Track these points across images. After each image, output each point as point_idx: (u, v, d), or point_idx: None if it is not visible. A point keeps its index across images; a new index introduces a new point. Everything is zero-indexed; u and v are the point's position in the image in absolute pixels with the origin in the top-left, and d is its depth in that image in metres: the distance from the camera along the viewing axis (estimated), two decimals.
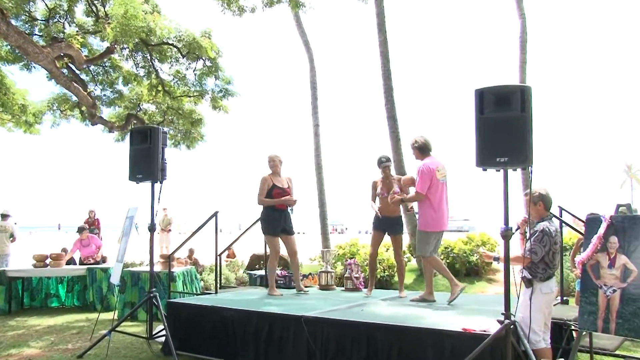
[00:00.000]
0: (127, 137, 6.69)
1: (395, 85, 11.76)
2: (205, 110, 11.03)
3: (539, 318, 3.77)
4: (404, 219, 6.60)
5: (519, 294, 3.88)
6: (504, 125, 3.71)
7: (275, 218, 6.20)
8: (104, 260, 9.73)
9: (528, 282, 3.85)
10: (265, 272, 7.35)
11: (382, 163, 6.04)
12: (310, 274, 7.85)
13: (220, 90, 10.40)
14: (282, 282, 7.33)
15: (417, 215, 5.46)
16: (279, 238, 6.25)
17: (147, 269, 7.35)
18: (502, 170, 3.77)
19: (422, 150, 5.44)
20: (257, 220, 7.36)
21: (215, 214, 6.49)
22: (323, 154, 13.47)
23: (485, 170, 3.83)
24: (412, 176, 5.91)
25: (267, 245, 6.43)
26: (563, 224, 5.59)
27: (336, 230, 68.66)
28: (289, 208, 6.23)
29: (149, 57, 9.80)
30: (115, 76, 10.56)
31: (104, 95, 10.88)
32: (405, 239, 11.30)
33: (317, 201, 13.27)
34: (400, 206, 6.16)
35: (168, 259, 7.24)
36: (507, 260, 3.83)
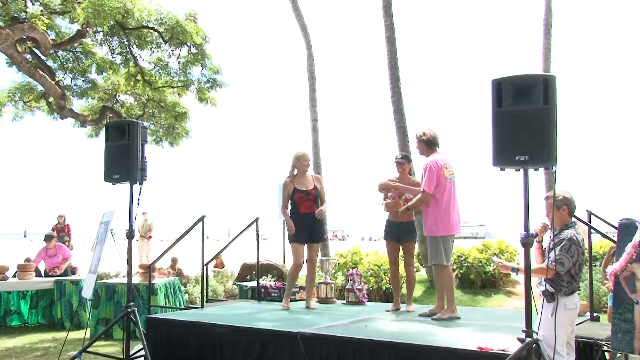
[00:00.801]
0: (102, 133, 6.68)
1: (403, 76, 11.78)
2: (191, 103, 11.03)
3: (563, 336, 3.77)
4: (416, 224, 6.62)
5: (539, 309, 3.88)
6: (525, 120, 3.70)
7: (301, 224, 6.21)
8: (73, 271, 9.71)
9: (550, 296, 3.84)
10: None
11: (397, 159, 6.05)
12: (305, 286, 7.83)
13: (208, 81, 10.39)
14: (275, 294, 7.34)
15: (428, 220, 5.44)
16: (303, 247, 6.27)
17: (124, 280, 7.34)
18: (521, 170, 3.76)
19: (430, 144, 5.45)
20: (248, 226, 7.37)
21: (201, 219, 6.48)
22: (322, 152, 13.48)
23: (503, 170, 3.82)
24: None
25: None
26: (592, 231, 5.59)
27: (336, 236, 68.61)
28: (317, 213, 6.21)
29: (126, 43, 9.79)
30: (87, 63, 10.50)
31: (75, 85, 10.82)
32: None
33: None
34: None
35: (148, 270, 7.23)
36: (528, 271, 3.82)
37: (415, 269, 10.99)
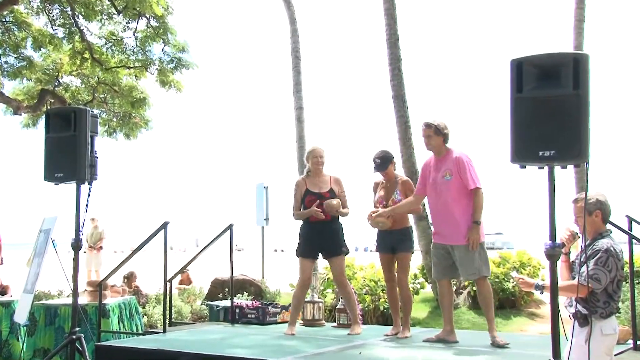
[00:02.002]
0: (41, 122, 6.62)
1: (405, 56, 11.80)
2: (151, 87, 11.01)
3: None
4: (415, 232, 6.62)
5: (569, 335, 3.89)
6: (551, 108, 3.70)
7: (308, 235, 6.27)
8: (3, 291, 9.57)
9: (583, 320, 3.85)
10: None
11: (375, 163, 6.10)
12: (290, 305, 7.83)
13: (171, 60, 10.37)
14: (252, 316, 7.34)
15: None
16: (311, 262, 6.33)
17: (69, 301, 7.27)
18: (546, 168, 3.77)
19: (447, 139, 5.62)
20: (220, 234, 7.35)
21: (164, 226, 6.45)
22: (308, 146, 13.45)
23: (524, 168, 3.83)
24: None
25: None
26: (634, 241, 5.62)
27: None
28: (336, 216, 6.21)
29: (69, 12, 9.71)
30: (21, 37, 10.36)
31: (5, 62, 10.69)
32: (417, 258, 11.33)
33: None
34: (410, 214, 6.20)
35: (98, 287, 7.18)
36: (554, 289, 3.80)
37: (420, 286, 11.14)
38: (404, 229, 6.06)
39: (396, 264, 6.12)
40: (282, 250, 76.20)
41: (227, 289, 10.59)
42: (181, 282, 13.17)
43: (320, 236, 6.20)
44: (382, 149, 6.20)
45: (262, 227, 13.31)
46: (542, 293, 4.07)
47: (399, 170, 6.69)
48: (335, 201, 6.16)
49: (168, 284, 7.14)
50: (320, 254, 6.33)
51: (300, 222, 6.40)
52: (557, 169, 3.76)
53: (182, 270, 9.04)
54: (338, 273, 6.27)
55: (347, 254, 6.31)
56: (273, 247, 74.29)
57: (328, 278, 10.72)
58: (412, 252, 6.18)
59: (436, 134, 5.56)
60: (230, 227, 7.34)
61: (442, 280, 5.72)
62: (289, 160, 14.03)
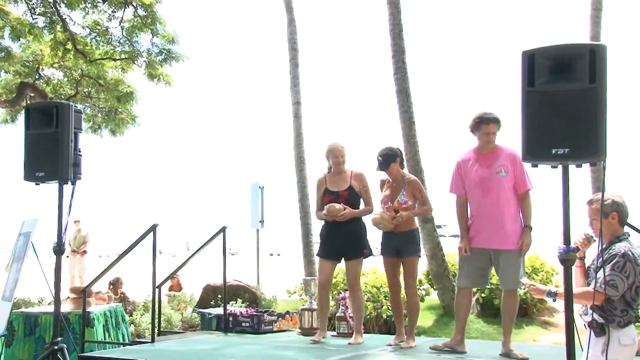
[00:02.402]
0: (21, 117, 6.61)
1: (409, 48, 11.80)
2: (139, 81, 10.99)
3: None
4: (420, 235, 6.62)
5: (584, 345, 3.88)
6: (565, 103, 3.70)
7: (326, 235, 6.32)
8: None
9: (600, 329, 3.84)
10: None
11: (378, 161, 6.11)
12: (287, 312, 7.84)
13: (160, 52, 10.36)
14: (247, 324, 7.34)
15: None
16: (331, 264, 6.33)
17: (50, 309, 7.26)
18: (560, 167, 3.77)
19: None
20: (213, 237, 7.35)
21: (152, 229, 6.45)
22: (306, 144, 13.47)
23: (536, 166, 3.82)
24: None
25: None
26: None
27: None
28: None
29: (50, 0, 9.69)
30: None
31: None
32: (423, 263, 11.32)
33: (297, 209, 13.27)
34: (416, 217, 6.19)
35: (82, 294, 7.17)
36: (569, 296, 3.79)
37: (425, 293, 11.13)
38: (410, 232, 6.04)
39: (402, 269, 6.11)
40: (279, 255, 76.14)
41: (219, 296, 10.59)
42: (171, 289, 13.17)
43: (339, 237, 6.22)
44: (387, 145, 6.18)
45: (257, 230, 13.33)
46: (554, 300, 4.07)
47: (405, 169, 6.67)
48: (337, 206, 6.15)
49: (157, 290, 7.13)
50: (341, 256, 6.33)
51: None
52: (572, 167, 3.75)
53: (171, 276, 9.03)
54: (352, 276, 6.28)
55: (367, 256, 6.28)
56: (269, 251, 74.21)
57: None
58: (419, 257, 6.16)
59: (496, 126, 5.49)
60: (223, 229, 7.33)
61: (465, 289, 5.65)
62: (285, 159, 14.00)
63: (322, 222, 6.40)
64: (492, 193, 5.42)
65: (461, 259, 5.61)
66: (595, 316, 3.85)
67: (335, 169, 6.32)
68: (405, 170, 6.30)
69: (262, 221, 13.14)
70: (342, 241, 6.21)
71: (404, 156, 6.38)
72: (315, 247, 12.80)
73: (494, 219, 5.40)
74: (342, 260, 6.34)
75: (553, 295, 4.01)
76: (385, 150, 6.10)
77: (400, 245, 6.02)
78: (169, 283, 12.46)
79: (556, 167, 3.78)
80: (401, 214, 5.93)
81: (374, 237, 6.34)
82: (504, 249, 5.38)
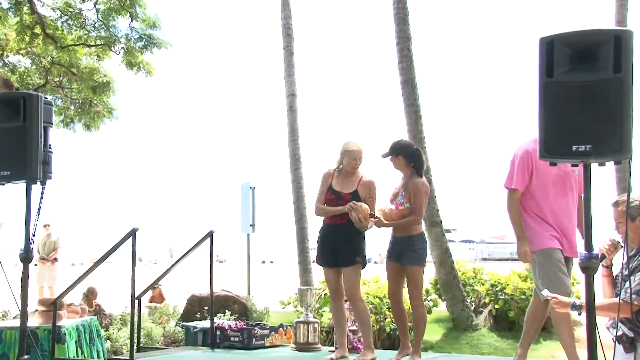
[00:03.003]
0: None
1: (416, 35, 11.80)
2: (116, 70, 10.96)
3: None
4: (428, 240, 6.61)
5: None
6: (587, 94, 3.70)
7: (323, 238, 6.34)
8: None
9: (629, 344, 3.84)
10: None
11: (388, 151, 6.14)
12: (281, 326, 7.83)
13: (140, 38, 10.34)
14: (236, 339, 7.33)
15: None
16: (334, 271, 6.32)
17: (16, 323, 7.23)
18: (581, 165, 3.78)
19: None
20: (199, 243, 7.33)
21: (132, 233, 6.43)
22: (302, 140, 13.48)
23: (555, 165, 3.83)
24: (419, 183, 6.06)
25: None
26: None
27: None
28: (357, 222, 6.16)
29: None
30: None
31: None
32: (431, 271, 11.31)
33: (292, 211, 13.27)
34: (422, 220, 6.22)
35: (52, 306, 7.15)
36: (591, 308, 3.78)
37: (432, 304, 11.14)
38: (408, 238, 6.00)
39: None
40: (272, 262, 76.35)
41: (206, 307, 10.55)
42: (152, 300, 13.13)
43: (335, 241, 6.22)
44: (405, 140, 6.30)
45: (248, 235, 13.32)
46: (579, 314, 4.03)
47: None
48: (358, 214, 6.03)
49: (136, 301, 7.11)
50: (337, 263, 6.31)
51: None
52: (594, 166, 3.75)
53: (153, 286, 9.01)
54: (348, 286, 6.23)
55: (363, 266, 6.25)
56: (261, 258, 74.39)
57: (325, 294, 10.74)
58: (422, 265, 6.12)
59: None
60: (210, 234, 7.31)
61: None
62: (279, 156, 14.02)
63: (320, 226, 6.41)
64: (569, 194, 5.37)
65: (557, 261, 5.32)
66: (625, 330, 3.84)
67: (348, 169, 6.30)
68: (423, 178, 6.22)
69: (253, 225, 13.12)
70: (334, 246, 6.22)
71: (420, 159, 6.20)
72: (312, 254, 12.82)
73: (571, 223, 5.37)
74: None
75: (578, 308, 3.98)
76: (396, 141, 6.16)
77: (400, 251, 6.04)
78: (149, 294, 12.42)
79: (577, 165, 3.79)
80: (371, 220, 5.95)
81: (376, 245, 6.37)
82: (574, 256, 5.31)
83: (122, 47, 10.35)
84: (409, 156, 6.14)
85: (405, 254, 5.99)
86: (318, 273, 13.15)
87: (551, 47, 3.81)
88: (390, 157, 6.10)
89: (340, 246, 6.19)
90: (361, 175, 6.29)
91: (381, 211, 6.06)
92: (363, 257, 6.22)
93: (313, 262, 14.18)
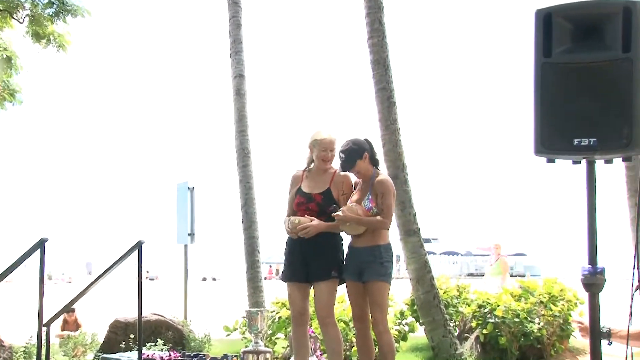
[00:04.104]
0: None
1: (389, 6, 11.84)
2: (20, 42, 10.81)
3: None
4: (402, 252, 6.63)
5: None
6: (591, 78, 3.73)
7: (290, 250, 6.35)
8: None
9: None
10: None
11: (341, 158, 6.18)
12: (225, 356, 7.83)
13: (50, 3, 10.21)
14: None
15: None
16: (301, 288, 6.34)
17: None
18: (584, 162, 3.82)
19: None
20: (123, 257, 7.27)
21: (39, 245, 6.36)
22: (251, 130, 13.45)
23: (553, 162, 3.86)
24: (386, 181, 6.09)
25: None
26: None
27: (275, 272, 68.66)
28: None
29: None
30: None
31: None
32: (404, 288, 11.35)
33: (239, 217, 13.23)
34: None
35: None
36: (595, 332, 3.82)
37: (409, 328, 11.18)
38: (374, 248, 6.06)
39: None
40: (214, 279, 75.97)
41: (132, 335, 10.47)
42: (64, 327, 13.00)
43: (305, 252, 6.22)
44: (352, 138, 6.20)
45: (185, 246, 13.24)
46: (610, 343, 4.05)
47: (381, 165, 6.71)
48: (300, 218, 6.15)
49: (44, 329, 7.03)
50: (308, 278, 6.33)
51: None
52: (600, 163, 3.80)
53: (66, 310, 8.92)
54: (321, 306, 6.24)
55: (340, 282, 6.25)
56: (201, 274, 73.94)
57: (279, 317, 10.74)
58: (387, 282, 6.13)
59: None
60: (138, 245, 7.27)
61: None
62: (224, 150, 13.95)
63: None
64: None
65: None
66: None
67: (319, 164, 6.29)
68: (383, 169, 6.33)
69: (191, 234, 13.05)
70: (307, 257, 6.22)
71: (374, 149, 6.35)
72: (264, 268, 12.79)
73: None
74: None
75: (607, 336, 4.00)
76: (348, 145, 6.13)
77: (362, 265, 6.06)
78: (62, 319, 12.28)
79: (579, 162, 3.82)
80: (338, 213, 5.95)
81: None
82: None
83: (27, 14, 10.23)
84: (371, 150, 6.23)
85: (369, 268, 6.02)
86: (270, 292, 13.17)
87: (549, 21, 3.84)
88: (355, 164, 6.12)
89: (312, 257, 6.20)
90: (334, 171, 6.33)
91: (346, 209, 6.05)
92: (340, 270, 6.23)
93: (265, 278, 14.17)
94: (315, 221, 6.10)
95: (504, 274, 16.19)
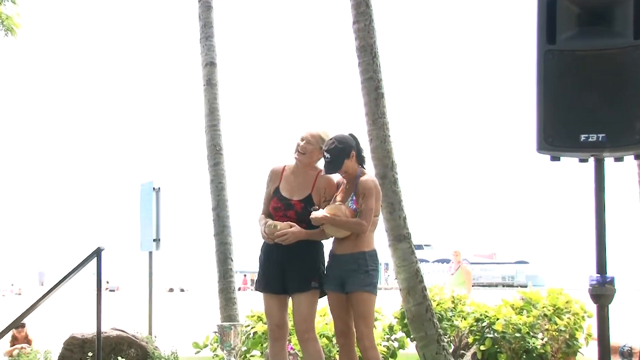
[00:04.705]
0: None
1: None
2: None
3: None
4: (390, 260, 6.63)
5: None
6: (599, 66, 3.76)
7: (266, 257, 6.35)
8: None
9: None
10: None
11: (325, 159, 6.17)
12: None
13: None
14: None
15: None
16: (279, 300, 6.36)
17: None
18: (592, 160, 3.84)
19: None
20: (80, 266, 7.25)
21: None
22: (225, 124, 13.42)
23: (558, 159, 3.88)
24: (369, 179, 6.11)
25: None
26: None
27: (251, 282, 68.62)
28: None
29: None
30: None
31: None
32: (393, 299, 11.35)
33: (210, 221, 13.21)
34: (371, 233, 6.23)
35: None
36: (605, 347, 3.85)
37: (398, 345, 11.20)
38: (359, 254, 6.07)
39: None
40: (183, 290, 75.72)
41: (90, 353, 10.43)
42: (14, 344, 12.98)
43: (282, 260, 6.21)
44: (337, 135, 6.20)
45: (150, 253, 13.20)
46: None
47: (368, 162, 6.71)
48: (280, 224, 6.14)
49: None
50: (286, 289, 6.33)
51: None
52: (609, 161, 3.81)
53: (15, 325, 8.87)
54: (300, 319, 6.24)
55: (321, 293, 6.27)
56: (168, 284, 73.60)
57: (255, 333, 10.75)
58: (373, 293, 6.14)
59: None
60: (97, 253, 7.25)
61: None
62: (193, 147, 13.92)
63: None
64: None
65: None
66: None
67: (302, 156, 6.29)
68: (370, 167, 6.34)
69: (157, 240, 13.01)
70: (281, 265, 6.22)
71: (360, 145, 6.35)
72: (238, 278, 12.75)
73: None
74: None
75: (628, 356, 4.03)
76: (333, 144, 6.09)
77: (345, 274, 6.08)
78: (10, 335, 12.22)
79: (586, 160, 3.84)
80: (315, 213, 5.99)
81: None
82: None
83: None
84: (357, 146, 6.24)
85: (352, 277, 6.03)
86: (244, 304, 13.15)
87: (553, 5, 3.85)
88: (343, 165, 6.13)
89: (289, 266, 6.21)
90: (318, 171, 6.33)
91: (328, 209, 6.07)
92: (321, 281, 6.24)
93: (239, 289, 14.14)
94: (295, 227, 6.09)
95: (467, 284, 16.08)
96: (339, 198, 6.17)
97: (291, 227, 6.09)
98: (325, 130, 6.35)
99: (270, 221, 6.17)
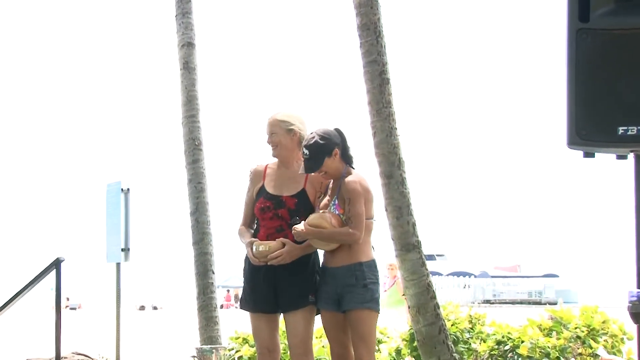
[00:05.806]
0: None
1: None
2: None
3: None
4: (399, 273, 6.64)
5: None
6: (639, 49, 3.78)
7: (253, 272, 6.32)
8: None
9: None
10: None
11: (304, 156, 6.15)
12: None
13: None
14: None
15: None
16: (268, 320, 6.37)
17: None
18: (631, 156, 3.85)
19: None
20: (37, 279, 7.27)
21: None
22: (204, 116, 13.44)
23: (592, 156, 3.89)
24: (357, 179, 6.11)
25: None
26: None
27: (235, 299, 68.70)
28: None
29: None
30: None
31: None
32: (400, 318, 11.32)
33: (188, 228, 13.23)
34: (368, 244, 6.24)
35: None
36: None
37: None
38: (356, 266, 6.10)
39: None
40: (156, 308, 75.83)
41: None
42: None
43: (272, 274, 6.21)
44: (320, 129, 6.19)
45: (118, 265, 13.21)
46: None
47: (365, 160, 6.73)
48: (271, 244, 6.11)
49: None
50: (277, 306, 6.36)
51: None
52: None
53: None
54: (296, 341, 6.27)
55: (318, 310, 6.26)
56: (138, 301, 73.65)
57: (240, 357, 10.79)
58: (374, 310, 6.16)
59: None
60: (56, 264, 7.27)
61: None
62: (168, 142, 13.94)
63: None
64: None
65: None
66: None
67: (275, 157, 6.36)
68: (371, 166, 6.34)
69: (125, 249, 13.00)
70: (275, 282, 6.23)
71: (347, 143, 6.32)
72: (220, 294, 12.72)
73: None
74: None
75: None
76: (313, 139, 6.08)
77: (340, 289, 6.10)
78: None
79: (625, 157, 3.86)
80: (297, 227, 5.99)
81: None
82: None
83: None
84: (343, 144, 6.23)
85: (349, 293, 6.05)
86: (228, 324, 13.23)
87: None
88: (322, 164, 6.14)
89: (282, 281, 6.22)
90: (308, 171, 6.31)
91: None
92: (317, 294, 6.26)
93: (221, 306, 14.13)
94: (288, 246, 6.07)
95: (407, 302, 15.83)
96: (324, 201, 6.15)
97: (283, 245, 6.07)
98: (288, 112, 6.38)
99: (256, 242, 6.16)
